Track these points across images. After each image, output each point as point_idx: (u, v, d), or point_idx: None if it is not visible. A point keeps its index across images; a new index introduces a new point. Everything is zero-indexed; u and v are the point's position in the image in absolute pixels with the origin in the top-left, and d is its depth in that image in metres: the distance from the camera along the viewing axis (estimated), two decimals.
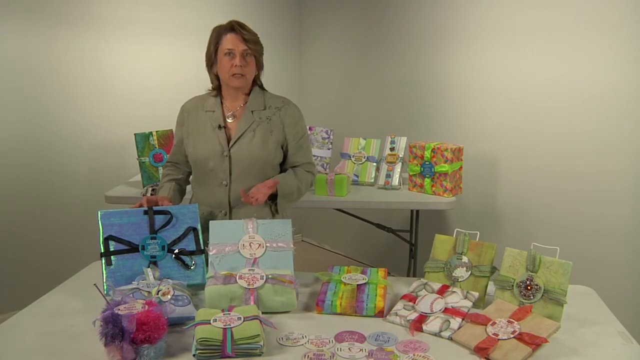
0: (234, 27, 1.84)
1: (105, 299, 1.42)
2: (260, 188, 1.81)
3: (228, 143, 1.88)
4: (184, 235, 1.71)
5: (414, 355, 1.33)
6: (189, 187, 2.08)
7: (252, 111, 1.91)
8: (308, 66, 4.64)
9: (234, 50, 1.82)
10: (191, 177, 2.05)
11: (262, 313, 1.46)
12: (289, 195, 1.90)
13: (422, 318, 1.48)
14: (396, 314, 1.53)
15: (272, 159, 1.92)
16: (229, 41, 1.83)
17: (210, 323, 1.34)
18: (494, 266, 1.62)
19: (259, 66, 1.93)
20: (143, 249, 1.66)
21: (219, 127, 1.89)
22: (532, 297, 1.49)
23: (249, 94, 1.94)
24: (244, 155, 1.87)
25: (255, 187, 1.82)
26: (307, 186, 1.99)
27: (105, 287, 1.59)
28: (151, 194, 2.71)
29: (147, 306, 1.32)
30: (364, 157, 3.10)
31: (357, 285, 1.64)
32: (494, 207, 3.22)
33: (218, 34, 1.86)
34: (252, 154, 1.87)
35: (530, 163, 3.00)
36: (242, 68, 1.83)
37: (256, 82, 1.96)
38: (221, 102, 1.94)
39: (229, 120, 1.92)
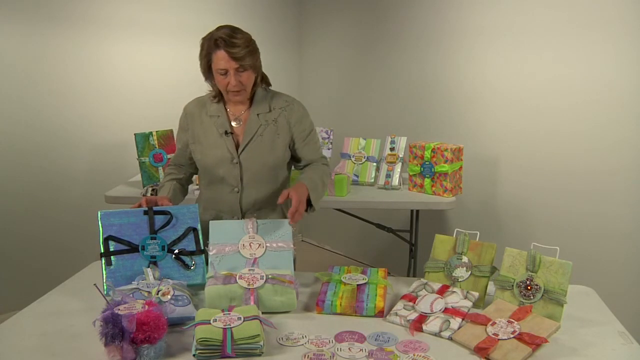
0: (219, 45, 1.71)
1: (105, 299, 1.42)
2: (296, 199, 1.69)
3: (237, 149, 1.85)
4: (184, 235, 1.71)
5: (414, 355, 1.33)
6: (191, 187, 2.06)
7: (257, 114, 1.87)
8: (308, 66, 4.64)
9: (227, 70, 1.74)
10: (194, 177, 2.03)
11: (262, 313, 1.46)
12: (315, 190, 1.82)
13: (422, 318, 1.48)
14: (396, 314, 1.53)
15: (282, 162, 1.90)
16: (220, 60, 1.72)
17: (210, 323, 1.34)
18: (494, 266, 1.62)
19: (257, 71, 1.83)
20: (143, 249, 1.66)
21: (226, 133, 1.85)
22: (532, 297, 1.49)
23: (252, 96, 1.89)
24: (254, 161, 1.84)
25: (294, 200, 1.69)
26: (327, 177, 1.95)
27: (105, 287, 1.59)
28: (151, 194, 2.71)
29: (147, 306, 1.32)
30: (364, 157, 3.10)
31: (357, 285, 1.64)
32: (494, 207, 3.22)
33: (208, 51, 1.75)
34: (262, 159, 1.85)
35: (530, 163, 2.99)
36: (238, 84, 1.77)
37: (257, 83, 1.88)
38: (224, 107, 1.90)
39: (234, 125, 1.88)
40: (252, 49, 1.77)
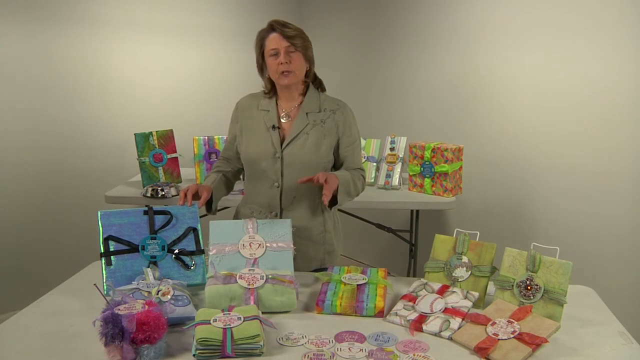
0: (273, 26, 1.83)
1: (105, 299, 1.42)
2: (330, 182, 1.73)
3: (281, 144, 1.87)
4: (184, 235, 1.71)
5: (414, 355, 1.33)
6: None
7: (306, 113, 1.89)
8: None
9: (278, 49, 1.81)
10: (242, 175, 2.05)
11: (262, 313, 1.46)
12: (346, 185, 1.83)
13: (422, 318, 1.48)
14: (396, 314, 1.53)
15: (324, 163, 1.90)
16: (272, 41, 1.82)
17: (210, 323, 1.34)
18: (494, 266, 1.62)
19: (308, 60, 1.88)
20: (143, 249, 1.66)
21: (273, 127, 1.88)
22: (532, 297, 1.49)
23: (304, 95, 1.93)
24: (296, 158, 1.86)
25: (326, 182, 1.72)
26: (361, 183, 1.94)
27: (105, 287, 1.59)
28: (151, 194, 2.71)
29: (147, 306, 1.32)
30: (364, 157, 3.10)
31: (357, 285, 1.64)
32: (494, 207, 3.22)
33: (261, 38, 1.86)
34: (304, 158, 1.86)
35: (530, 163, 2.99)
36: (288, 65, 1.81)
37: (308, 81, 1.92)
38: (276, 102, 1.93)
39: (283, 121, 1.91)
40: (303, 35, 1.86)
